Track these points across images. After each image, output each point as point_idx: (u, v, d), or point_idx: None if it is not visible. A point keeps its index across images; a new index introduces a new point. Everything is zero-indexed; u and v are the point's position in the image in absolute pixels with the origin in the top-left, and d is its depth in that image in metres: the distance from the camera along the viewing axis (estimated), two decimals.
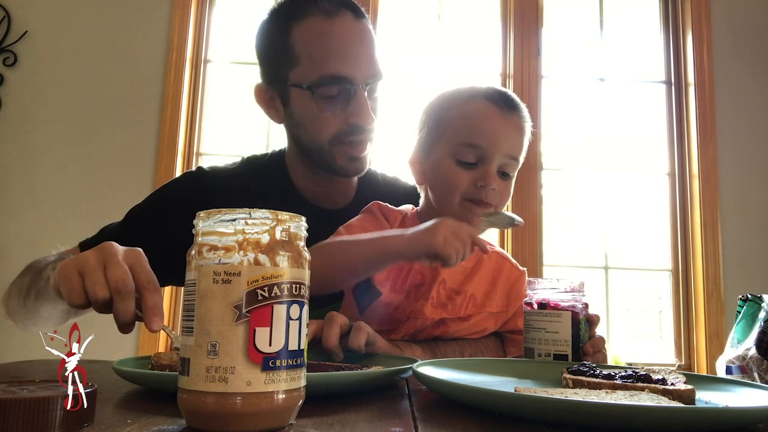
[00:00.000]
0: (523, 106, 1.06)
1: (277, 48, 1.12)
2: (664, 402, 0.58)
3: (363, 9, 1.14)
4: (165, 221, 1.16)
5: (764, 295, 1.44)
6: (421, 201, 1.12)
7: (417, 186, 1.13)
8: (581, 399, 0.56)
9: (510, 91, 1.07)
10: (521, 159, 1.04)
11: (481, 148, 1.00)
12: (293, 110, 1.14)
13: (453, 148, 1.01)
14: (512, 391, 0.61)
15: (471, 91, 1.06)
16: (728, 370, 1.39)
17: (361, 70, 1.08)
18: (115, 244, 0.73)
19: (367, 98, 1.09)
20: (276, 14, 1.15)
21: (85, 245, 1.18)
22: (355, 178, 1.27)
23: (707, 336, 2.40)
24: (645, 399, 0.59)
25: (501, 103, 1.02)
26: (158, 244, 1.03)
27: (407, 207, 1.13)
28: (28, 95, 2.48)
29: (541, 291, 0.92)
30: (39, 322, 1.02)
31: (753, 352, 1.35)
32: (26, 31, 2.51)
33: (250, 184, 1.21)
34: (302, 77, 1.09)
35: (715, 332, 2.39)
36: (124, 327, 0.70)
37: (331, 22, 1.08)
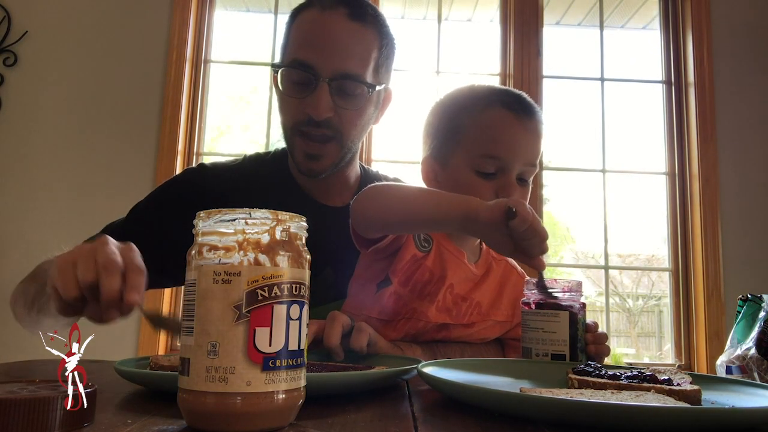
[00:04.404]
0: (538, 109, 1.04)
1: (283, 37, 1.16)
2: (670, 403, 0.58)
3: (374, 15, 1.12)
4: (166, 217, 1.17)
5: (764, 295, 1.44)
6: None
7: None
8: (587, 400, 0.56)
9: (524, 94, 1.04)
10: (538, 163, 1.03)
11: (501, 159, 0.98)
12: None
13: (472, 160, 1.00)
14: (517, 391, 0.61)
15: (486, 96, 1.03)
16: (728, 370, 1.39)
17: (327, 63, 1.06)
18: (109, 237, 0.74)
19: (330, 94, 1.07)
20: (292, 9, 1.18)
21: None
22: (355, 177, 1.27)
23: (707, 336, 2.40)
24: (651, 399, 0.59)
25: (518, 109, 1.00)
26: (160, 240, 1.03)
27: None
28: (28, 95, 2.48)
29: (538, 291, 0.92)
30: (43, 330, 1.03)
31: (753, 352, 1.35)
32: (26, 31, 2.51)
33: (252, 180, 1.21)
34: (281, 61, 1.13)
35: (715, 332, 2.39)
36: (107, 309, 0.68)
37: (321, 15, 1.09)
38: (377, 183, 0.97)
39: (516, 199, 0.80)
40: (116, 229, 1.20)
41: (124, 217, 1.23)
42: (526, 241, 0.78)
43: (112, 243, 0.72)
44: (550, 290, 0.89)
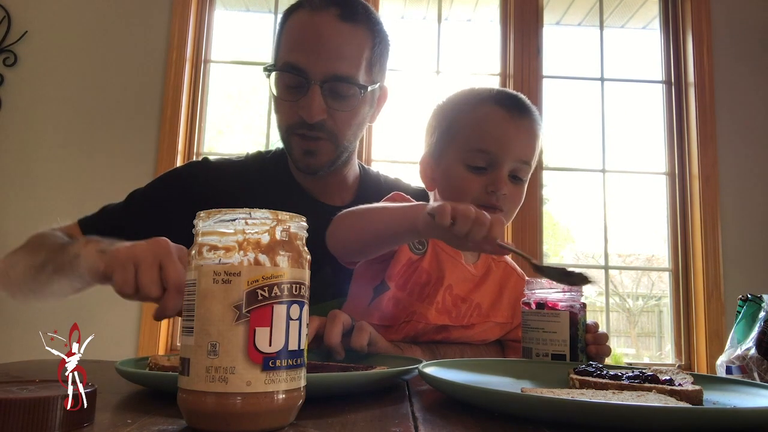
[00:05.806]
0: (533, 109, 1.04)
1: (276, 37, 1.17)
2: (672, 403, 0.58)
3: (366, 14, 1.12)
4: (167, 209, 1.17)
5: (764, 295, 1.44)
6: None
7: (426, 191, 1.12)
8: (588, 400, 0.56)
9: (520, 94, 1.05)
10: (533, 163, 1.03)
11: (491, 153, 0.99)
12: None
13: (463, 154, 1.00)
14: (518, 391, 0.61)
15: (480, 95, 1.04)
16: (728, 370, 1.39)
17: (318, 66, 1.06)
18: (167, 240, 0.78)
19: (321, 96, 1.07)
20: (285, 10, 1.18)
21: (84, 223, 1.19)
22: (354, 176, 1.27)
23: (707, 336, 2.40)
24: (652, 400, 0.58)
25: (511, 107, 1.01)
26: (157, 229, 1.03)
27: None
28: (28, 95, 2.48)
29: (539, 291, 0.92)
30: (44, 297, 1.03)
31: (753, 352, 1.36)
32: (26, 31, 2.51)
33: (254, 177, 1.22)
34: (274, 63, 1.14)
35: (715, 332, 2.39)
36: (164, 318, 0.76)
37: (311, 16, 1.09)
38: (339, 214, 0.97)
39: (437, 204, 0.76)
40: (114, 213, 1.19)
41: (122, 202, 1.22)
42: (467, 237, 0.76)
43: (174, 254, 0.75)
44: (535, 262, 0.87)
